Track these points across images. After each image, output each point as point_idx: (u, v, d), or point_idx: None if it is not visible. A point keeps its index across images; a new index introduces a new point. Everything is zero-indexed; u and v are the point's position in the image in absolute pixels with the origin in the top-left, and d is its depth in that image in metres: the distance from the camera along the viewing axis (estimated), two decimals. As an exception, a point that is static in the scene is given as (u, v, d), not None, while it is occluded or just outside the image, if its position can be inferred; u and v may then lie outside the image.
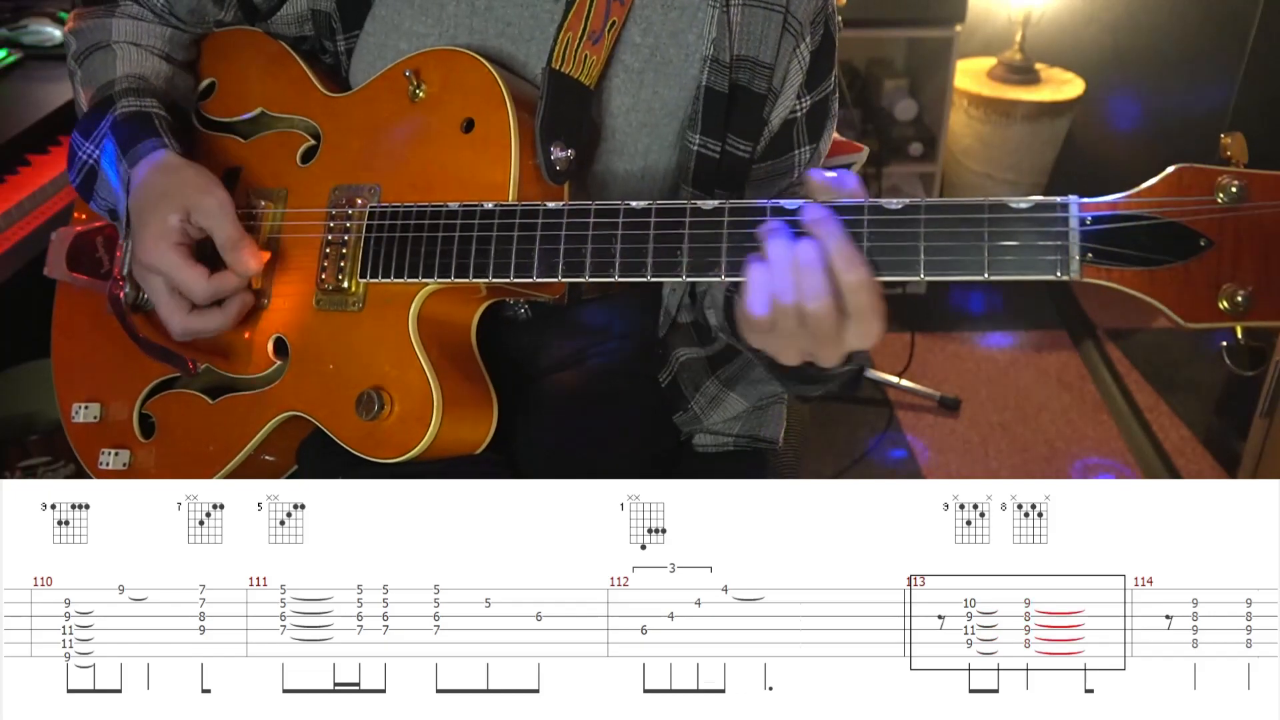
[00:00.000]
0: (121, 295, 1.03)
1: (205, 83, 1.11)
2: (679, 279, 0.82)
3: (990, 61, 3.02)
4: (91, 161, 1.02)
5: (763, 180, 1.05)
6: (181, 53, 1.11)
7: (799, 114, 1.03)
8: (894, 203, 0.76)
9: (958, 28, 2.76)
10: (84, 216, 1.17)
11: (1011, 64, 2.97)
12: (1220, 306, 0.70)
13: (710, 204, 0.81)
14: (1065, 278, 0.72)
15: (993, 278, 0.74)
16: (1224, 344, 0.72)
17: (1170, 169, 0.71)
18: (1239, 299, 0.69)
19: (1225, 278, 0.70)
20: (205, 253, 0.97)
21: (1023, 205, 0.73)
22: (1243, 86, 3.02)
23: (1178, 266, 0.71)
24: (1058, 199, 0.73)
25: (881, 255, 0.75)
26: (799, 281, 0.74)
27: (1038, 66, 2.99)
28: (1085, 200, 0.72)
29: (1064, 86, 2.96)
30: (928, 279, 0.75)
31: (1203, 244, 0.70)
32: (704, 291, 1.07)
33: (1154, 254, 0.71)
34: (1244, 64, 2.95)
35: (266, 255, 0.97)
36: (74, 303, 1.15)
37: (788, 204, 0.79)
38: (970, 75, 2.98)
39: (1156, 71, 3.11)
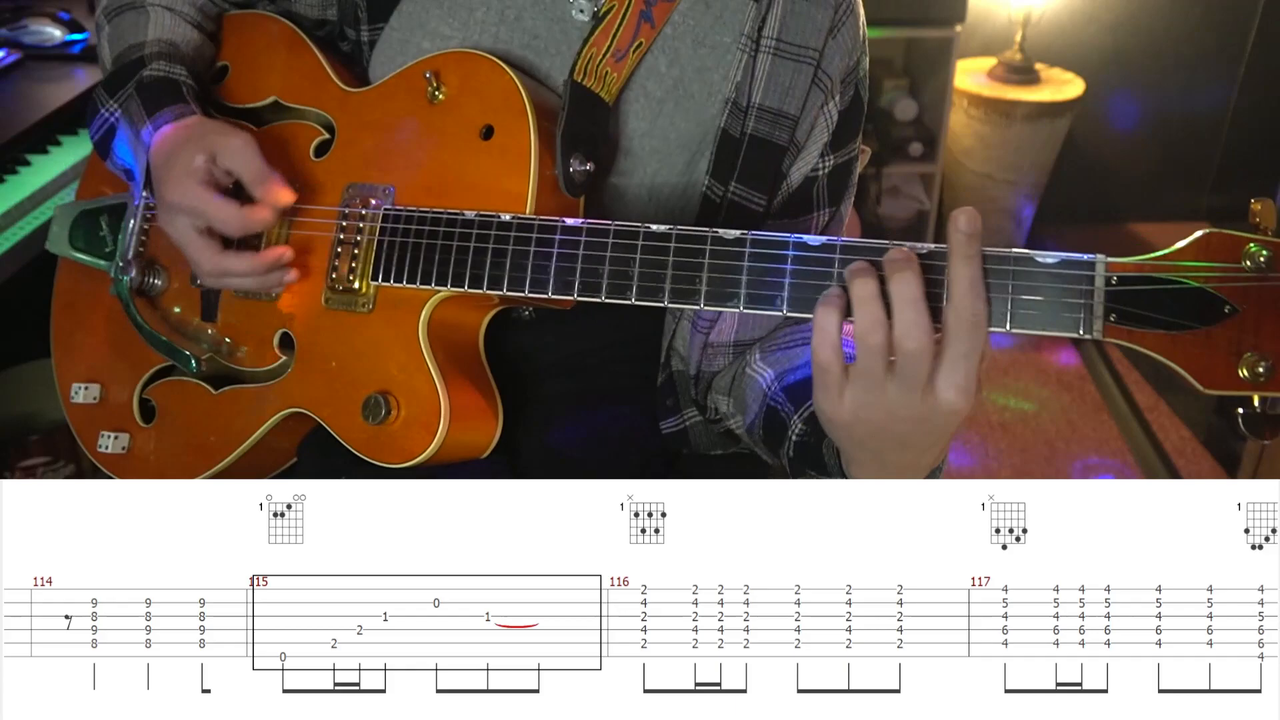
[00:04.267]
0: (126, 279, 1.02)
1: (218, 65, 1.10)
2: (696, 306, 0.81)
3: (990, 61, 3.02)
4: (113, 120, 1.02)
5: None
6: (210, 23, 1.10)
7: (821, 173, 1.02)
8: (922, 247, 0.74)
9: (958, 28, 2.76)
10: (89, 194, 1.16)
11: (1011, 64, 2.97)
12: (1240, 374, 0.69)
13: (732, 234, 0.80)
14: (1088, 337, 0.72)
15: (1014, 331, 0.73)
16: (1239, 410, 0.72)
17: (1198, 233, 0.70)
18: (1260, 369, 0.69)
19: (1247, 346, 0.69)
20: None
21: (1049, 260, 0.72)
22: (1243, 86, 3.03)
23: (1200, 332, 0.70)
24: (1084, 256, 0.72)
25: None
26: (899, 317, 0.70)
27: (1038, 66, 2.99)
28: (1112, 260, 0.71)
29: (1064, 86, 2.96)
30: None
31: (1226, 311, 0.69)
32: (708, 374, 1.05)
33: (1177, 318, 0.70)
34: (1244, 64, 2.95)
35: (295, 195, 0.95)
36: (76, 281, 1.14)
37: (810, 239, 0.78)
38: (970, 75, 2.98)
39: (1156, 71, 3.11)
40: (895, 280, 0.71)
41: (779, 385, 0.95)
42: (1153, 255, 0.71)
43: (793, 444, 0.90)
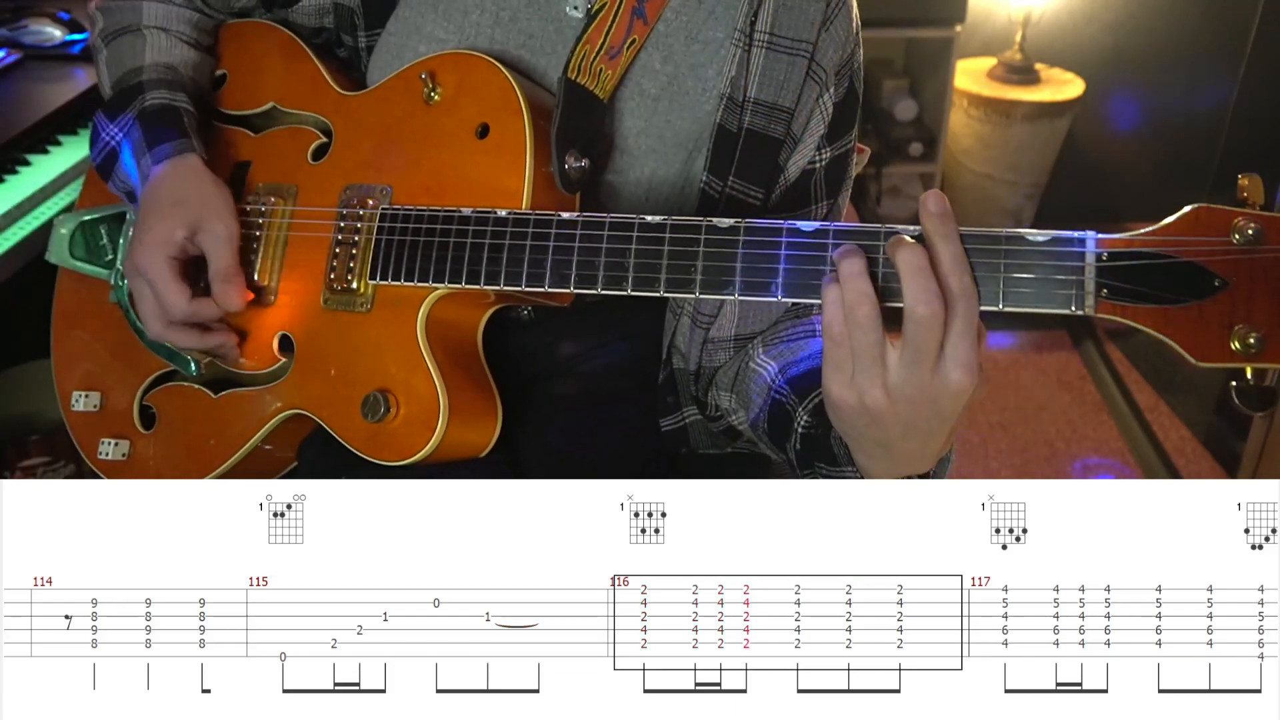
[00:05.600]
0: (126, 283, 1.03)
1: (217, 74, 1.11)
2: (692, 295, 0.82)
3: (990, 61, 3.02)
4: (114, 144, 1.02)
5: None
6: (206, 38, 1.11)
7: (818, 165, 1.02)
8: (912, 229, 0.75)
9: (958, 28, 2.76)
10: (89, 202, 1.16)
11: (1011, 64, 2.97)
12: (1232, 347, 0.70)
13: (726, 222, 0.80)
14: (1080, 312, 0.72)
15: (1007, 309, 0.73)
16: (1233, 384, 0.72)
17: (1188, 208, 0.71)
18: (1251, 341, 0.69)
19: (1239, 319, 0.69)
20: (197, 269, 0.98)
21: (1040, 238, 0.73)
22: (1243, 86, 3.03)
23: (1192, 306, 0.70)
24: (1075, 234, 0.72)
25: (898, 281, 0.73)
26: (908, 286, 0.70)
27: (1038, 66, 2.99)
28: (1102, 236, 0.72)
29: (1064, 86, 2.96)
30: None
31: (1217, 284, 0.70)
32: (709, 369, 1.05)
33: (1169, 292, 0.71)
34: (1244, 64, 2.95)
35: (251, 297, 0.99)
36: (75, 290, 1.14)
37: (803, 225, 0.78)
38: (970, 75, 2.98)
39: (1156, 71, 3.11)
40: (900, 253, 0.71)
41: (783, 378, 0.95)
42: (1143, 231, 0.72)
43: (799, 436, 0.90)
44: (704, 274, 0.81)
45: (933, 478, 0.80)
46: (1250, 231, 0.69)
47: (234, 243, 0.97)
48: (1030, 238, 0.73)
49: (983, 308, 0.73)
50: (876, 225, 0.76)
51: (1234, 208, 0.70)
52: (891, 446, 0.76)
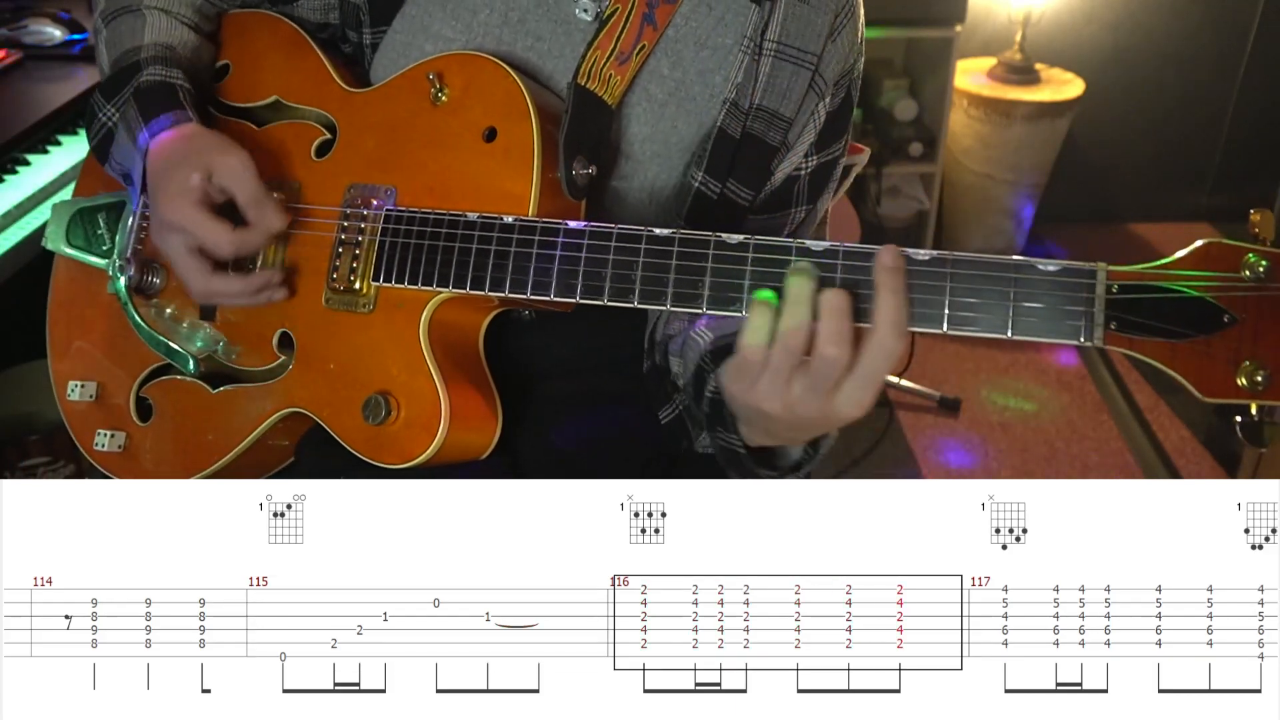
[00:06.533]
0: (124, 277, 1.02)
1: (219, 65, 1.10)
2: (699, 310, 0.81)
3: (990, 61, 3.02)
4: (110, 124, 1.02)
5: (753, 233, 1.04)
6: (208, 25, 1.10)
7: (803, 172, 1.02)
8: (921, 253, 0.75)
9: (958, 28, 2.76)
10: (86, 191, 1.15)
11: (1011, 64, 2.97)
12: (1239, 383, 0.70)
13: (736, 238, 0.80)
14: (1088, 344, 0.72)
15: (1016, 338, 0.74)
16: (1237, 419, 0.73)
17: (1199, 243, 0.71)
18: (1258, 378, 0.69)
19: (1246, 355, 0.70)
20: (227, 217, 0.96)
21: (1050, 268, 0.73)
22: (1243, 86, 3.03)
23: (1199, 341, 0.71)
24: (1085, 265, 0.72)
25: (864, 303, 0.74)
26: (824, 324, 0.73)
27: (1038, 66, 2.99)
28: (1113, 268, 0.72)
29: (1064, 86, 2.96)
30: (950, 332, 0.74)
31: (1226, 320, 0.70)
32: (665, 338, 1.05)
33: (1177, 327, 0.71)
34: (1244, 64, 2.96)
35: (290, 217, 0.95)
36: (72, 279, 1.13)
37: (813, 245, 0.78)
38: (970, 75, 2.98)
39: (1156, 71, 3.11)
40: (827, 295, 0.74)
41: (710, 348, 0.96)
42: (1153, 264, 0.72)
43: (707, 400, 0.91)
44: (711, 289, 0.80)
45: (812, 451, 0.87)
46: (1260, 269, 0.70)
47: (252, 168, 0.93)
48: (1041, 267, 0.73)
49: (991, 335, 0.74)
50: (885, 248, 0.76)
51: (1244, 243, 0.71)
52: (776, 436, 0.82)
